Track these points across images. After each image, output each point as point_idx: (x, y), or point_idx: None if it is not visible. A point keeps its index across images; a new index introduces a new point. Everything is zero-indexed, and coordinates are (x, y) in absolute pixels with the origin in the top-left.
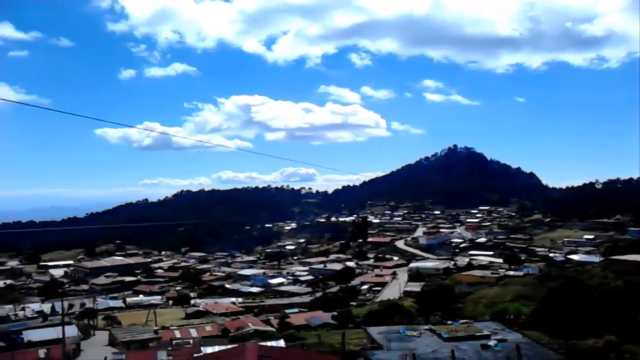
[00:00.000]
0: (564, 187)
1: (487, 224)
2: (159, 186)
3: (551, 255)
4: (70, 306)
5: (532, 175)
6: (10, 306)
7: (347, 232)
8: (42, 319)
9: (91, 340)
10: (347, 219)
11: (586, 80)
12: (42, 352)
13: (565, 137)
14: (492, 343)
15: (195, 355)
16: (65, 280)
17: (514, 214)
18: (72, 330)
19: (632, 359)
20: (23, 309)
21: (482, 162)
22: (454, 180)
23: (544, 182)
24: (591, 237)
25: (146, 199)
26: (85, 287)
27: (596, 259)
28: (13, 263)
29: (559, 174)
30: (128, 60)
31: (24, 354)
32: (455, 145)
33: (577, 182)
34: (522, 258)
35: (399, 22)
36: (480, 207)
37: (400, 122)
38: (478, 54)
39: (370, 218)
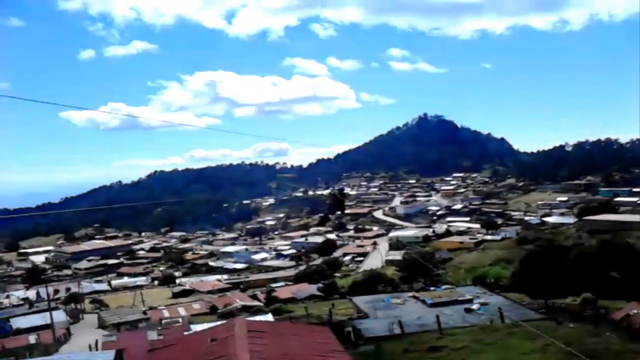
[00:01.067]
0: (535, 151)
1: (462, 190)
2: (131, 167)
3: (527, 218)
4: (56, 291)
5: (502, 140)
6: None
7: (324, 205)
8: (29, 305)
9: (80, 324)
10: (324, 192)
11: (550, 44)
12: (32, 338)
13: (533, 102)
14: (475, 307)
15: (185, 333)
16: (47, 266)
17: (487, 179)
18: (60, 315)
19: (606, 313)
20: (8, 296)
21: (453, 129)
22: (427, 149)
23: (515, 146)
24: (564, 199)
25: (120, 181)
26: (68, 272)
27: (570, 220)
28: None
29: (529, 138)
30: (85, 40)
31: (13, 340)
32: (425, 114)
33: (548, 145)
34: (499, 222)
35: None
36: (455, 174)
37: (370, 93)
38: (442, 21)
39: (347, 190)
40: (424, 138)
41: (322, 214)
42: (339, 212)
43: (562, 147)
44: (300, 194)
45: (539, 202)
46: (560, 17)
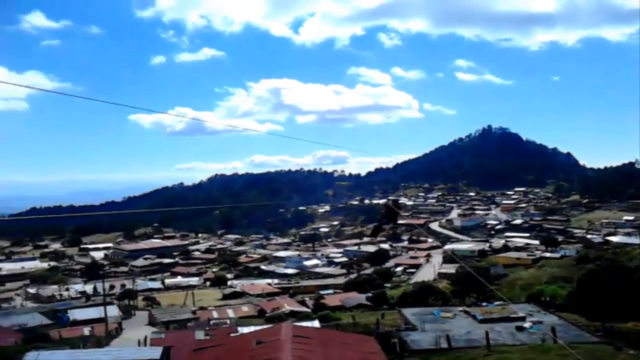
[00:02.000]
0: (602, 167)
1: (523, 205)
2: (194, 170)
3: (589, 236)
4: (111, 287)
5: (569, 155)
6: (55, 287)
7: (380, 215)
8: (85, 299)
9: (132, 320)
10: (380, 201)
11: (624, 57)
12: (86, 330)
13: (603, 116)
14: (527, 325)
15: (232, 334)
16: (105, 262)
17: (550, 195)
18: (113, 310)
19: None
20: (67, 289)
21: (518, 142)
22: (489, 161)
23: (582, 162)
24: (630, 218)
25: (181, 183)
26: (124, 269)
27: (636, 240)
28: (56, 246)
29: (597, 153)
30: (158, 47)
31: (70, 330)
32: (489, 126)
33: (616, 161)
34: (559, 240)
35: (427, 1)
36: (516, 188)
37: (432, 103)
38: (510, 32)
39: (404, 200)
40: (487, 150)
41: (375, 224)
42: (391, 224)
43: (631, 163)
44: (356, 202)
45: (603, 221)
46: (638, 28)
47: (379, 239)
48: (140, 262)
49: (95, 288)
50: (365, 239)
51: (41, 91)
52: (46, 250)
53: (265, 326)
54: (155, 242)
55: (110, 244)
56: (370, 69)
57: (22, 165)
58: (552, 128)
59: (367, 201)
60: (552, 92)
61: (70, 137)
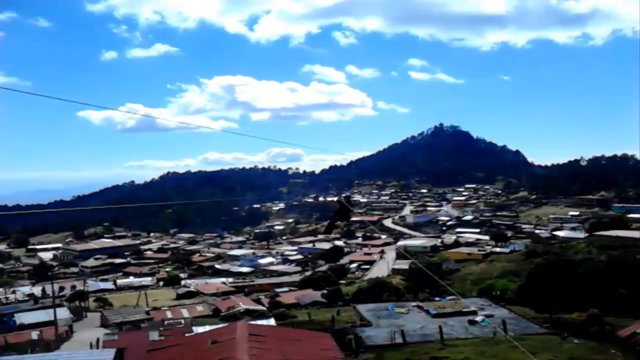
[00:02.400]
0: (549, 164)
1: (474, 201)
2: (145, 168)
3: (537, 231)
4: (61, 289)
5: (517, 152)
6: (1, 289)
7: (330, 213)
8: (34, 301)
9: (83, 322)
10: (334, 198)
11: (571, 58)
12: (34, 334)
13: (550, 115)
14: (479, 318)
15: (187, 334)
16: (54, 263)
17: (500, 191)
18: (63, 313)
19: (613, 331)
20: (14, 292)
21: (468, 140)
22: (441, 159)
23: (530, 159)
24: (576, 213)
25: (132, 181)
26: (74, 269)
27: (581, 235)
28: (1, 247)
29: (544, 151)
30: (109, 42)
31: (17, 335)
32: (441, 124)
33: (562, 159)
34: (509, 235)
35: (382, 0)
36: (467, 185)
37: (386, 101)
38: (463, 32)
39: (358, 197)
40: (439, 148)
41: (328, 221)
42: (344, 222)
43: (577, 161)
44: (310, 200)
45: (551, 216)
46: (583, 31)
47: (333, 235)
48: (91, 262)
49: (44, 290)
50: (320, 236)
51: None
52: None
53: (220, 325)
54: (106, 242)
55: (59, 244)
56: (325, 67)
57: None
58: (502, 126)
59: (321, 198)
60: (502, 91)
61: (17, 134)
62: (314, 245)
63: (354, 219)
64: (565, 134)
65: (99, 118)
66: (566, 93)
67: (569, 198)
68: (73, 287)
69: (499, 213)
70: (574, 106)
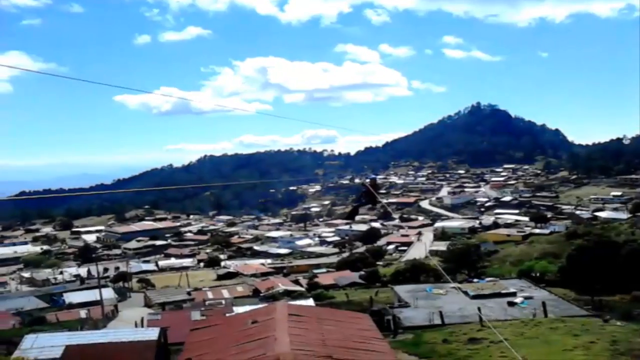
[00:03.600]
0: (590, 143)
1: (513, 182)
2: (182, 151)
3: (577, 212)
4: (105, 270)
5: (557, 132)
6: (49, 270)
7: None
8: (80, 282)
9: (127, 302)
10: (358, 180)
11: (614, 32)
12: (83, 313)
13: (591, 93)
14: (518, 300)
15: (227, 314)
16: (98, 245)
17: (539, 171)
18: (109, 293)
19: None
20: (61, 272)
21: (507, 119)
22: (478, 139)
23: (570, 138)
24: (618, 193)
25: (171, 165)
26: (117, 251)
27: (624, 215)
28: (47, 229)
29: (585, 130)
30: (142, 26)
31: (67, 313)
32: (478, 103)
33: (604, 138)
34: (548, 216)
35: None
36: (505, 166)
37: (421, 81)
38: (499, 7)
39: (394, 178)
40: (476, 127)
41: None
42: (370, 206)
43: (619, 139)
44: (346, 182)
45: (592, 197)
46: (628, 2)
47: (369, 217)
48: (132, 244)
49: (89, 271)
50: (357, 218)
51: (24, 72)
52: (38, 234)
53: (260, 305)
54: (147, 224)
55: (101, 227)
56: (358, 46)
57: (8, 149)
58: (541, 105)
59: (357, 180)
60: (540, 68)
61: (57, 119)
62: (350, 227)
63: (381, 202)
64: (607, 112)
65: (135, 102)
66: (608, 69)
67: (611, 178)
68: (117, 268)
69: (538, 194)
70: (616, 83)
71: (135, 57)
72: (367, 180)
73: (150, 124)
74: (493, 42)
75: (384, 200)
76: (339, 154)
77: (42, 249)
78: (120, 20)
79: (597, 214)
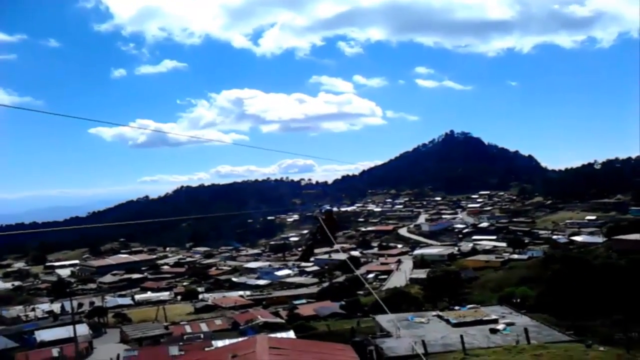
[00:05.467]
0: (563, 168)
1: (489, 208)
2: (158, 183)
3: (554, 237)
4: (80, 305)
5: (530, 158)
6: (21, 307)
7: (349, 222)
8: (53, 318)
9: (103, 338)
10: (349, 208)
11: (578, 62)
12: (55, 351)
13: (561, 119)
14: (500, 327)
15: (206, 349)
16: (72, 280)
17: (514, 197)
18: (83, 329)
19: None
20: (33, 309)
21: (480, 146)
22: (453, 166)
23: (543, 164)
24: (593, 217)
25: (147, 196)
26: (92, 285)
27: (599, 239)
28: (19, 264)
29: (557, 155)
30: (118, 59)
31: (37, 353)
32: (452, 131)
33: (576, 163)
34: (526, 241)
35: (384, 10)
36: (481, 192)
37: (395, 110)
38: (468, 39)
39: (372, 207)
40: (451, 155)
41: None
42: (325, 246)
43: (590, 164)
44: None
45: (567, 221)
46: (589, 35)
47: (348, 246)
48: (108, 278)
49: (63, 307)
50: (337, 247)
51: None
52: (9, 269)
53: (240, 339)
54: (123, 258)
55: (76, 261)
56: (332, 77)
57: None
58: (513, 132)
59: (335, 209)
60: (510, 96)
61: (31, 152)
62: (330, 256)
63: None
64: (577, 138)
65: (110, 134)
66: (575, 97)
67: (585, 202)
68: (92, 303)
69: (514, 219)
70: (584, 109)
71: (112, 90)
72: (322, 212)
73: (126, 156)
74: (464, 72)
75: (340, 234)
76: (317, 182)
77: (13, 284)
78: (96, 54)
79: (573, 238)
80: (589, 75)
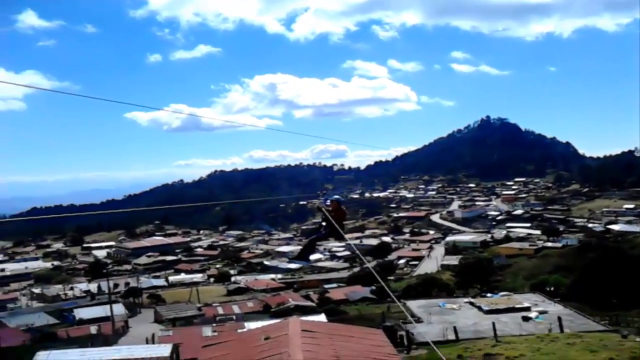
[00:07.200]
0: (601, 156)
1: (524, 195)
2: (193, 167)
3: (590, 225)
4: (115, 285)
5: (568, 144)
6: (60, 286)
7: (381, 208)
8: (90, 298)
9: (137, 318)
10: (381, 194)
11: (620, 46)
12: (93, 329)
13: (601, 106)
14: (533, 315)
15: (239, 330)
16: (108, 261)
17: (550, 184)
18: (119, 309)
19: None
20: (71, 288)
21: (517, 132)
22: (488, 152)
23: (581, 151)
24: (631, 206)
25: (181, 180)
26: (128, 267)
27: (637, 228)
28: (58, 245)
29: (596, 142)
30: (153, 45)
31: (77, 329)
32: (488, 117)
33: (616, 150)
34: (561, 229)
35: None
36: (516, 179)
37: (430, 95)
38: (506, 22)
39: (404, 192)
40: (486, 141)
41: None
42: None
43: (630, 152)
44: (356, 196)
45: (604, 209)
46: (635, 17)
47: (380, 231)
48: (143, 259)
49: (99, 287)
50: (367, 232)
51: (38, 91)
52: (49, 250)
53: (272, 321)
54: (157, 240)
55: (112, 243)
56: (366, 62)
57: (21, 166)
58: (550, 118)
59: (367, 194)
60: (549, 82)
61: (68, 136)
62: (361, 242)
63: (345, 238)
64: (618, 125)
65: (146, 119)
66: (617, 82)
67: (624, 190)
68: (127, 283)
69: (550, 207)
70: (625, 96)
71: (147, 75)
72: (327, 203)
73: (161, 140)
74: (501, 57)
75: (395, 214)
76: (349, 168)
77: (52, 264)
78: (132, 40)
79: (610, 227)
80: (632, 60)
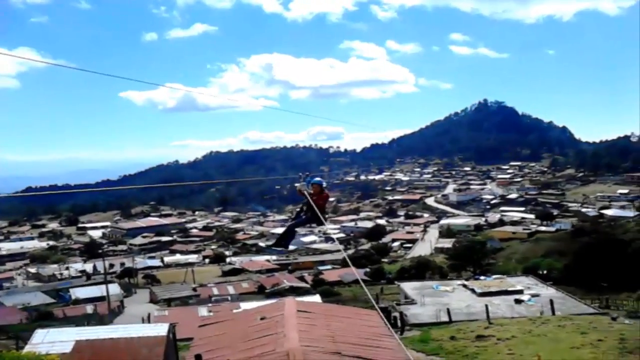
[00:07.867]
0: (597, 141)
1: (519, 179)
2: (188, 147)
3: (584, 210)
4: (111, 266)
5: (564, 129)
6: (55, 266)
7: (376, 190)
8: (86, 277)
9: (133, 298)
10: (376, 177)
11: (622, 30)
12: (89, 308)
13: (598, 91)
14: (525, 297)
15: (234, 310)
16: (103, 241)
17: (546, 169)
18: (114, 288)
19: None
20: (67, 268)
21: (514, 116)
22: (485, 136)
23: (577, 136)
24: (625, 191)
25: (177, 161)
26: (123, 247)
27: (630, 213)
28: (53, 225)
29: (592, 127)
30: (149, 23)
31: (73, 309)
32: (485, 100)
33: (611, 135)
34: (554, 213)
35: None
36: (512, 163)
37: (428, 77)
38: (505, 4)
39: (400, 175)
40: (483, 124)
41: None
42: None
43: (626, 137)
44: (352, 178)
45: (598, 194)
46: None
47: (374, 214)
48: (138, 240)
49: (95, 267)
50: (362, 215)
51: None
52: (44, 229)
53: (267, 302)
54: (153, 220)
55: (107, 223)
56: (364, 43)
57: (15, 145)
58: (548, 102)
59: (363, 177)
60: (547, 66)
61: (63, 115)
62: (355, 224)
63: (325, 223)
64: (614, 110)
65: (141, 99)
66: (615, 67)
67: (618, 176)
68: (122, 264)
69: (544, 191)
70: (623, 81)
71: (142, 54)
72: (307, 184)
73: (156, 120)
74: (500, 39)
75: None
76: (345, 150)
77: (48, 244)
78: (127, 17)
79: (603, 211)
80: (633, 44)
